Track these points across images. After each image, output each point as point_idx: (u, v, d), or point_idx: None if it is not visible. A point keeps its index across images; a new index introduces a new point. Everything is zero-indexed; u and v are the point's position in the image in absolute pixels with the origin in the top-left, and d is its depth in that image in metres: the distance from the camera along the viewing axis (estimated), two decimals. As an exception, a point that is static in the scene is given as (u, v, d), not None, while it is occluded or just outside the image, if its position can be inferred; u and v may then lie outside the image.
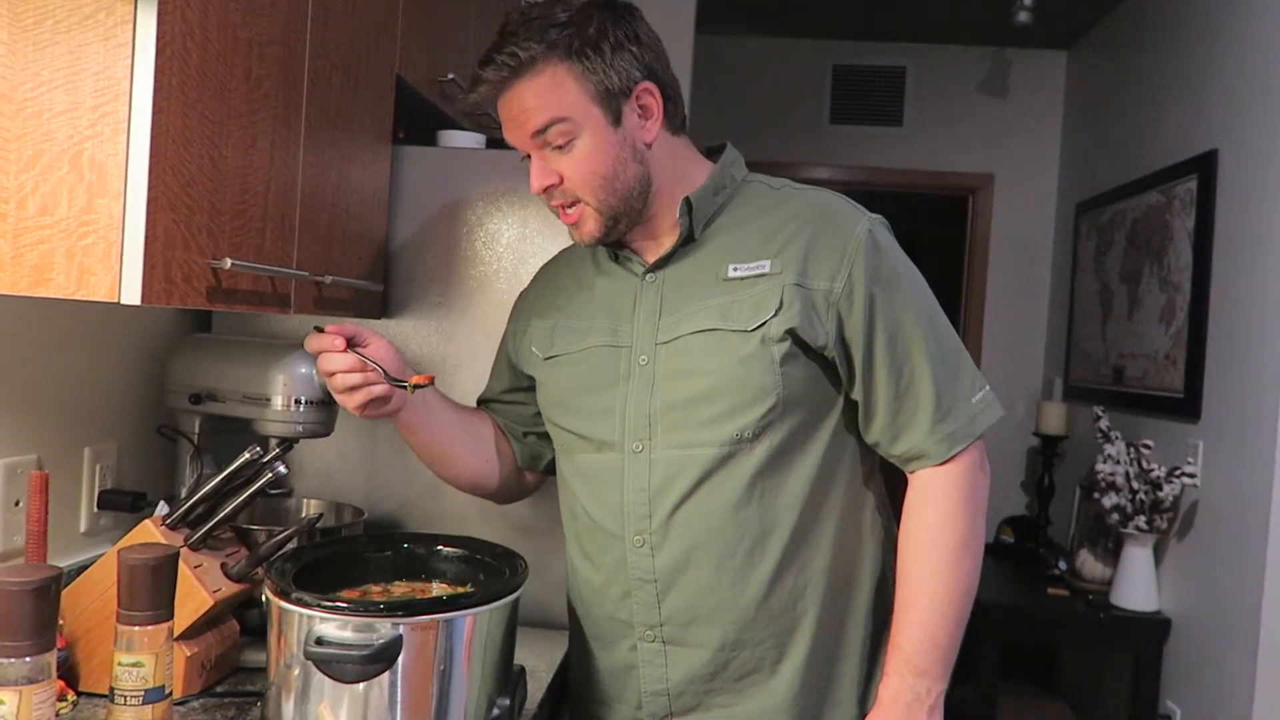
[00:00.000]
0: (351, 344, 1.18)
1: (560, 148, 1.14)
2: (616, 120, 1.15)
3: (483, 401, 1.42)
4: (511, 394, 1.38)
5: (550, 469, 1.38)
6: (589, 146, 1.14)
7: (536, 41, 1.11)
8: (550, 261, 1.40)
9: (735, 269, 1.17)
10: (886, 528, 1.25)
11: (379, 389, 1.18)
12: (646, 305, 1.21)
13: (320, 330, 1.18)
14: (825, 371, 1.17)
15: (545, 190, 1.17)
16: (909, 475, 1.20)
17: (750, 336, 1.14)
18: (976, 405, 1.18)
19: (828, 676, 1.21)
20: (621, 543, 1.20)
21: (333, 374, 1.17)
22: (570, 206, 1.18)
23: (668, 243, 1.21)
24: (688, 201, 1.19)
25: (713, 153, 1.28)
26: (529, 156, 1.18)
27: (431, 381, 1.18)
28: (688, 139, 1.26)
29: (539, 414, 1.34)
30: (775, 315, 1.13)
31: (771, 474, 1.16)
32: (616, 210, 1.17)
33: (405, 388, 1.17)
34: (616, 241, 1.24)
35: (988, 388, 1.20)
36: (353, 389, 1.18)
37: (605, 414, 1.21)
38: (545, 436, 1.35)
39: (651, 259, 1.23)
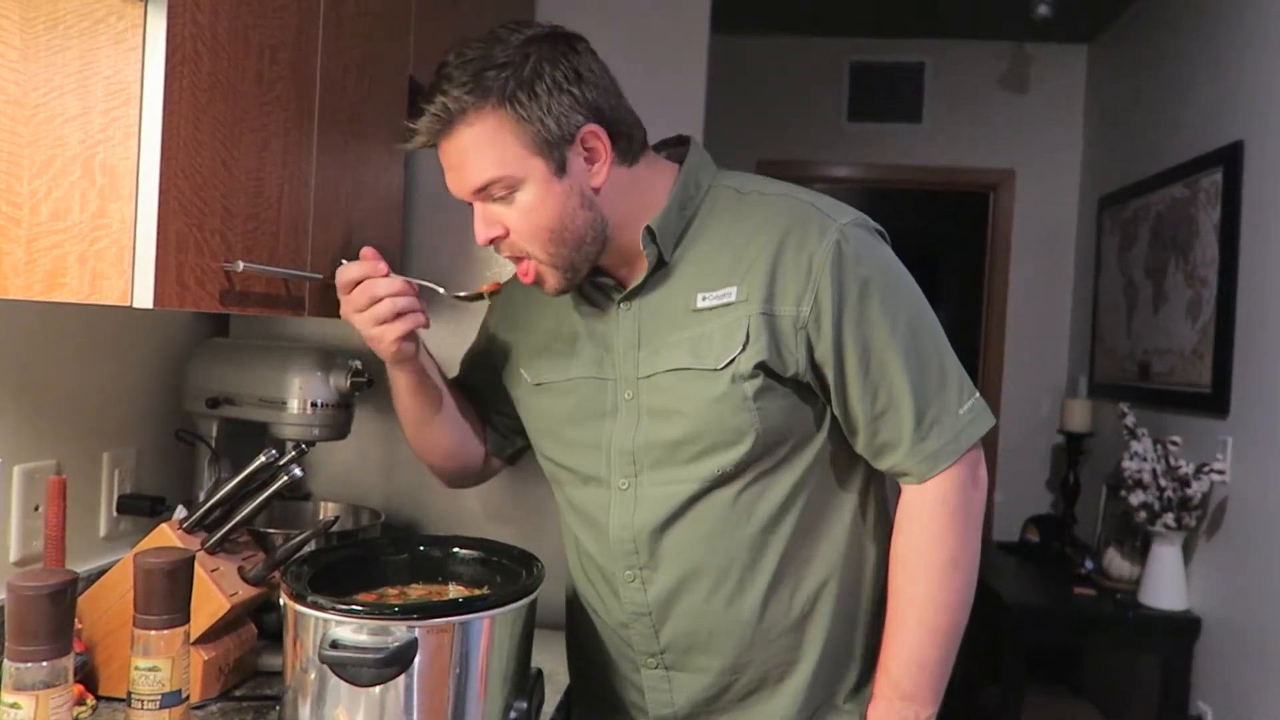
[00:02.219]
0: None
1: (502, 199, 1.08)
2: (561, 168, 1.07)
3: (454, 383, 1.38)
4: (478, 374, 1.35)
5: (513, 460, 1.38)
6: (532, 199, 1.07)
7: (469, 91, 1.04)
8: None
9: (704, 298, 1.12)
10: (889, 534, 1.20)
11: (422, 316, 1.15)
12: (625, 336, 1.17)
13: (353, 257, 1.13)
14: (804, 395, 1.13)
15: (491, 242, 1.11)
16: (901, 488, 1.16)
17: (720, 375, 1.10)
18: (964, 417, 1.12)
19: (832, 686, 1.20)
20: (615, 577, 1.19)
21: (380, 299, 1.12)
22: (521, 260, 1.12)
23: (641, 268, 1.15)
24: (650, 231, 1.12)
25: (680, 143, 1.21)
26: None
27: (500, 289, 1.14)
28: (650, 155, 1.18)
29: (509, 400, 1.31)
30: (743, 351, 1.09)
31: (758, 500, 1.14)
32: (572, 260, 1.11)
33: (479, 297, 1.12)
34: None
35: (977, 397, 1.14)
36: (400, 315, 1.13)
37: (592, 449, 1.19)
38: (511, 426, 1.34)
39: (628, 283, 1.17)
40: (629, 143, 1.13)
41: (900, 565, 1.14)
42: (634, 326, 1.17)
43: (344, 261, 1.15)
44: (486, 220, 1.10)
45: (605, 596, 1.22)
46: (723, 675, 1.18)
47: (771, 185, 1.18)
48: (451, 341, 1.63)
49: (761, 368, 1.09)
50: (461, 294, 1.13)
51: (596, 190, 1.10)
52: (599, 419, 1.18)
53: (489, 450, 1.38)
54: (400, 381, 1.25)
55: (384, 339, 1.15)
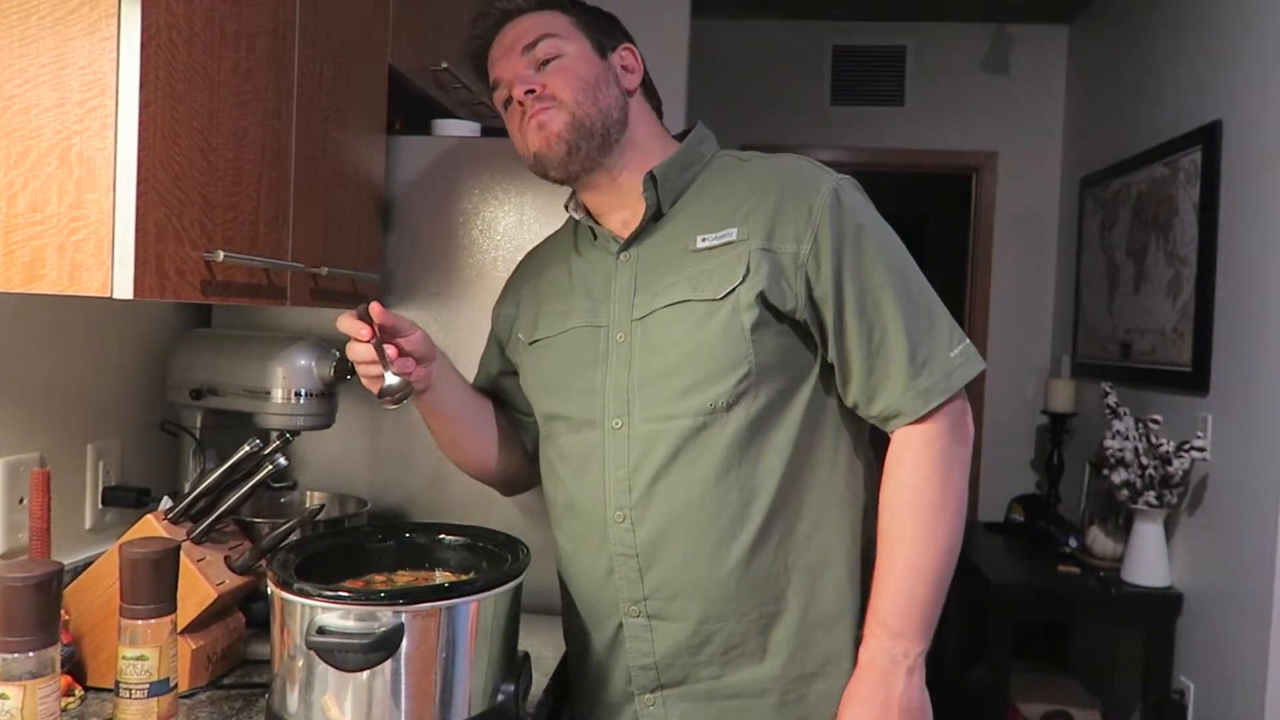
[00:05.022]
0: (390, 331, 1.16)
1: (546, 64, 1.20)
2: (603, 55, 1.23)
3: (480, 390, 1.42)
4: (506, 377, 1.39)
5: None
6: (574, 57, 1.20)
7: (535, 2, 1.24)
8: (533, 249, 1.41)
9: (704, 239, 1.18)
10: (877, 489, 1.23)
11: (379, 382, 1.16)
12: (621, 284, 1.22)
13: (362, 311, 1.15)
14: (799, 337, 1.17)
15: (528, 93, 1.19)
16: (889, 436, 1.20)
17: (720, 305, 1.14)
18: (955, 359, 1.17)
19: (822, 643, 1.20)
20: (603, 521, 1.20)
21: (356, 361, 1.18)
22: (544, 111, 1.19)
23: (638, 218, 1.22)
24: (651, 176, 1.20)
25: (684, 136, 1.29)
26: (507, 104, 1.23)
27: (405, 392, 1.16)
28: (664, 126, 1.30)
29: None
30: (743, 282, 1.14)
31: (749, 443, 1.16)
32: (590, 121, 1.18)
33: (383, 399, 1.15)
34: (591, 218, 1.27)
35: (967, 342, 1.19)
36: (372, 378, 1.18)
37: (586, 393, 1.22)
38: None
39: (624, 234, 1.24)
40: (652, 90, 1.29)
41: (888, 508, 1.17)
42: (630, 274, 1.22)
43: (370, 306, 1.14)
44: (527, 79, 1.20)
45: (589, 548, 1.23)
46: (704, 624, 1.18)
47: (772, 155, 1.27)
48: (434, 329, 1.63)
49: (761, 299, 1.13)
50: (385, 388, 1.14)
51: (629, 92, 1.24)
52: (592, 364, 1.22)
53: (528, 456, 1.41)
54: (419, 406, 1.30)
55: (368, 388, 1.20)
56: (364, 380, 1.20)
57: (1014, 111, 4.09)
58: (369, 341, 1.14)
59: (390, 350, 1.16)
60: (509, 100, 1.22)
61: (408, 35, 1.66)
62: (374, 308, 1.14)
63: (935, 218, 5.48)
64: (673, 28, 2.95)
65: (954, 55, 4.12)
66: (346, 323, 1.15)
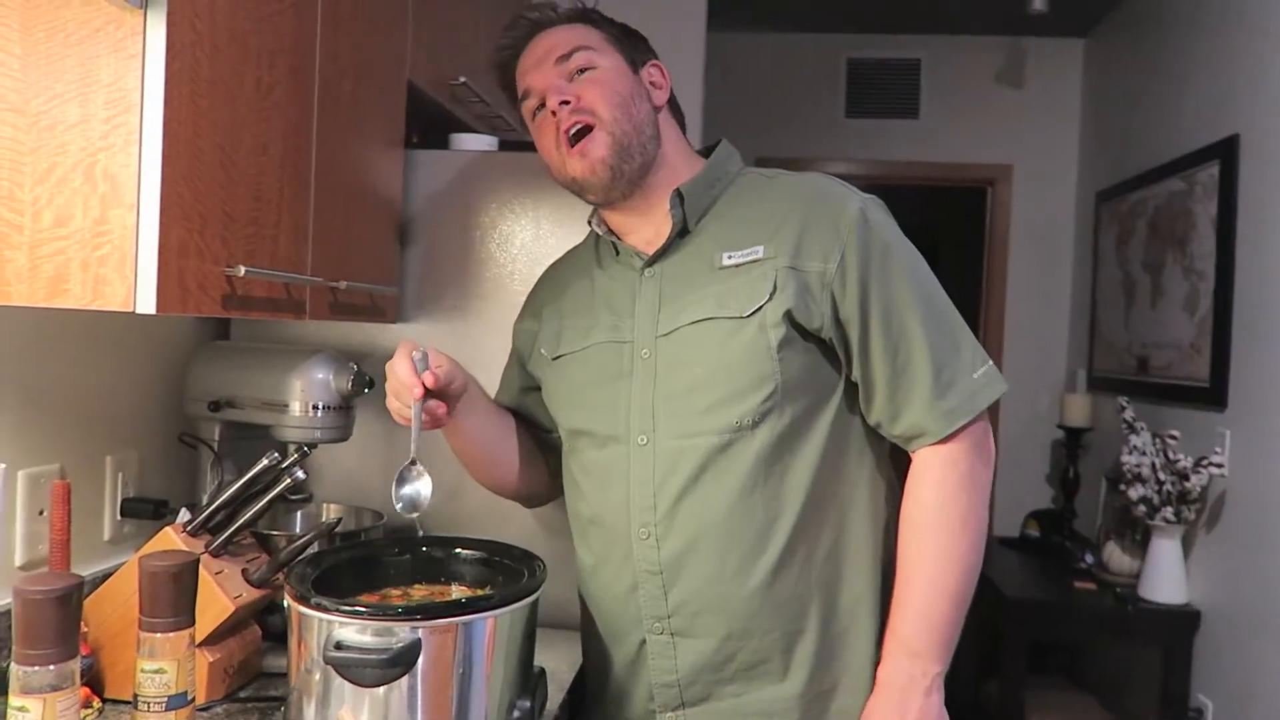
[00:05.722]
0: (438, 392, 1.18)
1: (581, 72, 1.20)
2: (634, 70, 1.24)
3: (503, 407, 1.42)
4: (529, 394, 1.39)
5: None
6: (608, 71, 1.21)
7: (567, 12, 1.26)
8: (555, 263, 1.42)
9: (729, 256, 1.19)
10: (898, 509, 1.23)
11: (407, 420, 1.20)
12: (646, 299, 1.22)
13: (421, 360, 1.17)
14: (825, 356, 1.18)
15: (563, 104, 1.19)
16: (911, 456, 1.20)
17: (746, 323, 1.15)
18: (978, 381, 1.17)
19: (842, 662, 1.20)
20: (627, 537, 1.20)
21: (398, 402, 1.21)
22: (582, 134, 1.19)
23: (663, 235, 1.23)
24: (678, 193, 1.21)
25: (709, 152, 1.30)
26: (536, 113, 1.23)
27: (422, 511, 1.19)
28: (689, 141, 1.31)
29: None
30: (770, 300, 1.14)
31: (774, 461, 1.16)
32: (628, 138, 1.19)
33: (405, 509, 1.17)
34: (613, 234, 1.27)
35: (990, 364, 1.19)
36: (401, 419, 1.22)
37: (610, 408, 1.22)
38: None
39: (649, 253, 1.24)
40: (677, 108, 1.31)
41: (909, 527, 1.17)
42: (655, 290, 1.22)
43: (420, 352, 1.18)
44: (562, 89, 1.20)
45: (612, 563, 1.23)
46: (728, 641, 1.18)
47: (796, 172, 1.28)
48: (451, 344, 1.63)
49: (788, 317, 1.14)
50: (407, 465, 1.18)
51: (658, 109, 1.25)
52: (615, 380, 1.22)
53: (550, 471, 1.41)
54: (442, 431, 1.30)
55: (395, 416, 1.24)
56: (394, 416, 1.22)
57: (1029, 125, 4.09)
58: (418, 400, 1.16)
59: (425, 416, 1.18)
60: (538, 110, 1.23)
61: (426, 51, 1.67)
62: (429, 376, 1.16)
63: (950, 231, 5.46)
64: (689, 41, 2.96)
65: (969, 68, 4.12)
66: (404, 372, 1.16)
